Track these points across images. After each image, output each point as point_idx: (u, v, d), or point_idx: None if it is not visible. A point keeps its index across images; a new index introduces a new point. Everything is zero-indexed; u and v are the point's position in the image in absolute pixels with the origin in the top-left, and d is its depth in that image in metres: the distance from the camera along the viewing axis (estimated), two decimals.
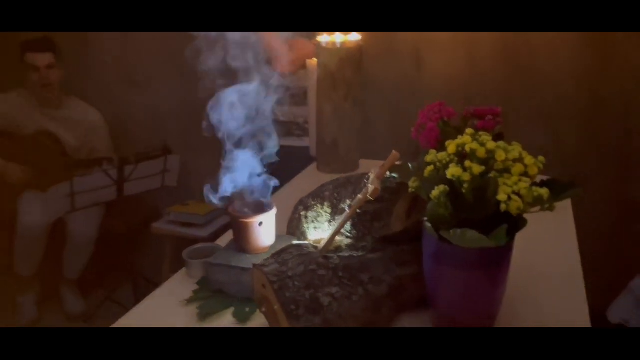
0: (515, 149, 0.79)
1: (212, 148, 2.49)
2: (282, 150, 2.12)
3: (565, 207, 1.34)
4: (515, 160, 0.78)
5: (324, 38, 1.55)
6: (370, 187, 0.86)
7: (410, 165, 0.86)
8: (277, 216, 1.03)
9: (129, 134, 2.85)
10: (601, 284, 2.10)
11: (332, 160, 1.60)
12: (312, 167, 1.70)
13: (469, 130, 0.80)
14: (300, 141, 2.01)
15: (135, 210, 2.70)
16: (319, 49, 1.54)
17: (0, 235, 2.54)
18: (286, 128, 2.05)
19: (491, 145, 0.77)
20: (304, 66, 1.89)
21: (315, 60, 1.62)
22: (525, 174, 0.77)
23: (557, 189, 0.79)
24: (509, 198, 0.74)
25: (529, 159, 0.77)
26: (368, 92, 2.28)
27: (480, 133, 0.80)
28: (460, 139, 0.79)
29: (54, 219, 2.49)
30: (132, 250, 2.79)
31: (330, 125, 1.57)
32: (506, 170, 0.77)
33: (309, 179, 1.61)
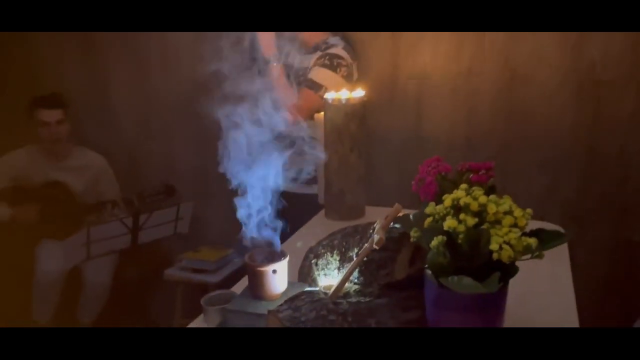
0: (506, 202, 0.88)
1: (222, 195, 2.61)
2: (291, 197, 2.22)
3: (561, 251, 1.41)
4: (505, 213, 0.86)
5: (330, 95, 1.66)
6: (376, 237, 0.94)
7: (411, 216, 0.95)
8: (289, 263, 1.10)
9: (143, 180, 2.96)
10: (598, 324, 2.14)
11: (339, 208, 1.69)
12: (321, 214, 1.78)
13: (462, 186, 0.89)
14: (309, 188, 2.10)
15: (148, 257, 2.77)
16: (326, 105, 1.65)
17: (19, 282, 2.60)
18: (295, 176, 2.14)
19: (483, 199, 0.85)
20: (311, 117, 2.00)
21: (322, 113, 1.73)
22: (515, 224, 0.85)
23: (546, 238, 0.87)
24: (501, 247, 0.82)
25: (518, 212, 0.85)
26: (372, 141, 2.39)
27: (474, 188, 0.89)
28: (455, 194, 0.88)
29: (70, 267, 2.57)
30: (144, 296, 2.85)
31: (337, 176, 1.67)
32: (497, 222, 0.85)
33: (318, 226, 1.70)
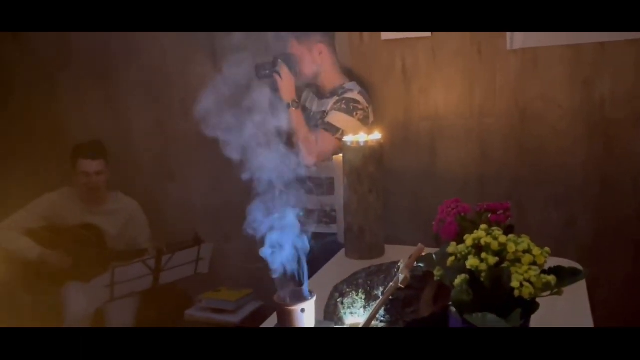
0: (524, 241, 0.92)
1: (240, 235, 2.66)
2: (311, 237, 2.26)
3: (580, 286, 1.43)
4: (524, 251, 0.91)
5: (348, 138, 1.73)
6: (401, 276, 0.99)
7: (434, 256, 0.99)
8: (317, 296, 1.14)
9: (164, 222, 3.02)
10: None
11: (359, 247, 1.73)
12: (341, 253, 1.83)
13: (483, 226, 0.94)
14: (328, 228, 2.15)
15: (168, 297, 2.81)
16: (345, 147, 1.71)
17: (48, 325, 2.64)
18: (315, 216, 2.20)
19: (503, 239, 0.90)
20: (329, 159, 2.07)
21: (340, 155, 1.80)
22: (534, 262, 0.90)
23: (564, 275, 0.92)
24: (521, 285, 0.86)
25: (536, 250, 0.90)
26: (388, 180, 2.45)
27: (493, 228, 0.94)
28: (476, 234, 0.93)
29: (94, 309, 2.61)
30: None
31: (356, 215, 1.72)
32: (517, 260, 0.90)
33: (339, 265, 1.74)
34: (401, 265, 1.01)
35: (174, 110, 2.91)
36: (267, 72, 2.06)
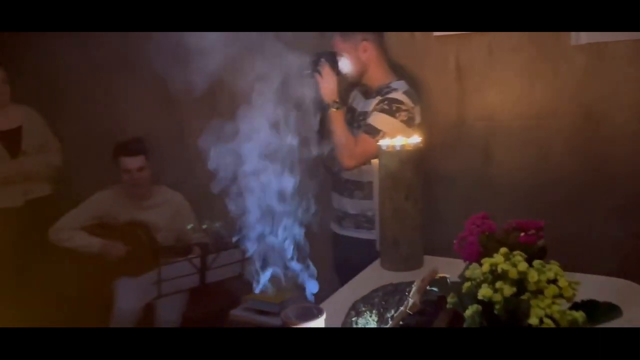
0: (552, 269, 0.80)
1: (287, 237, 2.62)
2: (350, 243, 2.19)
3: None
4: (549, 281, 0.78)
5: (384, 141, 1.63)
6: (410, 302, 0.89)
7: (448, 280, 0.89)
8: (340, 311, 1.07)
9: (212, 214, 3.03)
10: None
11: (394, 258, 1.63)
12: (377, 262, 1.74)
13: (502, 250, 0.83)
14: (369, 234, 2.06)
15: (215, 297, 2.83)
16: (380, 151, 1.62)
17: (100, 318, 2.73)
18: (356, 220, 2.12)
19: (523, 266, 0.79)
20: (368, 161, 1.98)
21: (377, 159, 1.70)
22: (560, 295, 0.78)
23: (597, 312, 0.79)
24: (541, 321, 0.74)
25: (563, 281, 0.78)
26: (436, 186, 2.32)
27: (514, 253, 0.82)
28: (493, 259, 0.82)
29: (143, 304, 2.67)
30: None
31: (391, 224, 1.62)
32: (540, 292, 0.78)
33: (372, 275, 1.65)
34: (413, 288, 0.91)
35: (226, 110, 2.91)
36: (309, 71, 1.99)
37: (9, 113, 2.88)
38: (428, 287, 0.92)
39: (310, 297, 1.08)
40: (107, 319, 2.70)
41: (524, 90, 2.16)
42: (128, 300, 2.67)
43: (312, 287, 1.06)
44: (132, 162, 2.74)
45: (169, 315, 2.72)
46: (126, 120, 3.21)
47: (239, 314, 2.66)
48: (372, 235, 2.03)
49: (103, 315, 2.72)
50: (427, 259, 1.71)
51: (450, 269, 1.15)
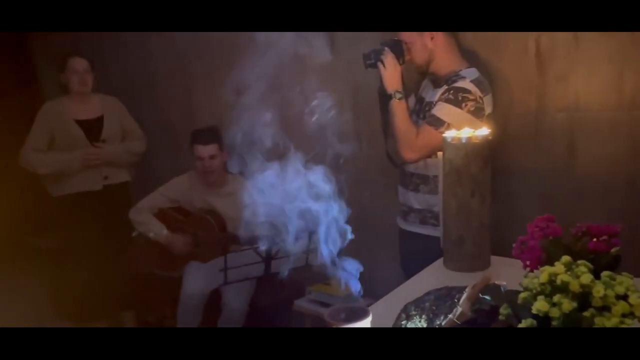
0: (623, 283, 0.70)
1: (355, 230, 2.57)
2: (415, 239, 2.10)
3: None
4: (618, 297, 0.68)
5: (449, 133, 1.53)
6: (459, 310, 0.81)
7: (502, 288, 0.80)
8: (393, 310, 1.02)
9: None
10: None
11: (457, 257, 1.54)
12: (439, 261, 1.65)
13: (564, 258, 0.73)
14: (434, 230, 1.96)
15: (281, 286, 2.83)
16: (444, 144, 1.52)
17: (168, 303, 2.84)
18: (421, 216, 2.03)
19: (586, 278, 0.69)
20: (434, 155, 1.88)
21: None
22: (630, 314, 0.67)
23: None
24: None
25: (635, 298, 0.67)
26: (513, 180, 2.17)
27: (579, 262, 0.72)
28: (552, 268, 0.72)
29: (210, 290, 2.73)
30: (276, 325, 2.90)
31: (455, 221, 1.53)
32: (606, 309, 0.68)
33: (434, 274, 1.57)
34: (464, 295, 0.83)
35: (294, 100, 2.89)
36: (372, 61, 1.92)
37: (92, 102, 3.02)
38: (481, 295, 0.84)
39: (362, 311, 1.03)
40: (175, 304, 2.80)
41: (613, 78, 1.96)
42: (195, 285, 2.74)
43: (355, 285, 1.00)
44: (205, 150, 2.79)
45: (235, 302, 2.76)
46: (203, 108, 3.28)
47: (303, 305, 2.66)
48: (437, 232, 1.93)
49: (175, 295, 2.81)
50: (497, 259, 1.60)
51: (522, 272, 1.05)
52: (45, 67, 3.61)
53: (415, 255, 2.00)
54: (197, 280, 2.74)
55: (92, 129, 2.98)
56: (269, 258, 2.58)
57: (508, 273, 1.05)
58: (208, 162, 2.80)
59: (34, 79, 3.66)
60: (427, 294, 1.07)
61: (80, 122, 2.95)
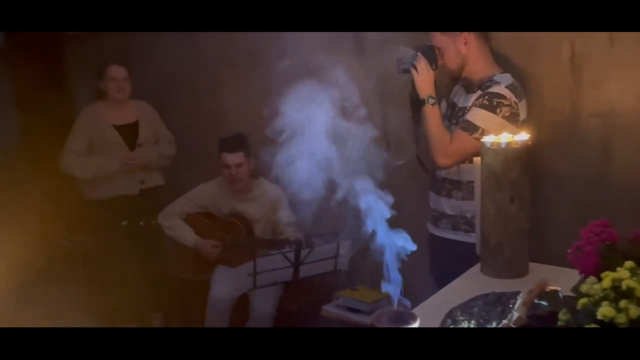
0: None
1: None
2: (447, 245, 2.09)
3: None
4: None
5: (488, 138, 1.52)
6: (515, 315, 0.81)
7: (560, 294, 0.79)
8: (434, 317, 1.01)
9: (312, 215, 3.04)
10: None
11: (496, 264, 1.52)
12: (476, 267, 1.63)
13: (628, 263, 0.72)
14: (467, 236, 1.95)
15: (309, 291, 2.84)
16: (483, 149, 1.52)
17: (195, 307, 2.85)
18: (453, 221, 2.02)
19: None
20: (469, 160, 1.87)
21: (480, 158, 1.60)
22: None
23: None
24: None
25: None
26: (547, 186, 2.14)
27: None
28: (616, 273, 0.71)
29: (238, 294, 2.74)
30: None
31: (494, 227, 1.51)
32: None
33: (471, 281, 1.55)
34: (519, 300, 0.82)
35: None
36: (405, 66, 1.92)
37: (128, 108, 3.08)
38: (536, 301, 0.83)
39: (405, 302, 1.03)
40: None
41: None
42: (223, 289, 2.76)
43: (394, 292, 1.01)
44: (231, 158, 2.82)
45: (263, 306, 2.77)
46: (231, 114, 3.30)
47: (331, 310, 2.65)
48: (470, 238, 1.92)
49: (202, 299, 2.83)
50: (533, 266, 1.58)
51: (559, 279, 1.03)
52: (78, 72, 3.67)
53: (446, 261, 1.99)
54: (225, 284, 2.76)
55: (129, 134, 3.03)
56: (297, 263, 2.59)
57: (548, 278, 1.03)
58: (235, 170, 2.82)
59: (66, 83, 3.73)
60: (474, 299, 1.06)
61: (117, 127, 3.01)
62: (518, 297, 0.85)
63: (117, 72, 2.97)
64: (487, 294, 1.03)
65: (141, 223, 2.94)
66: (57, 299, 2.45)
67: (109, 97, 2.99)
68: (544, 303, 0.82)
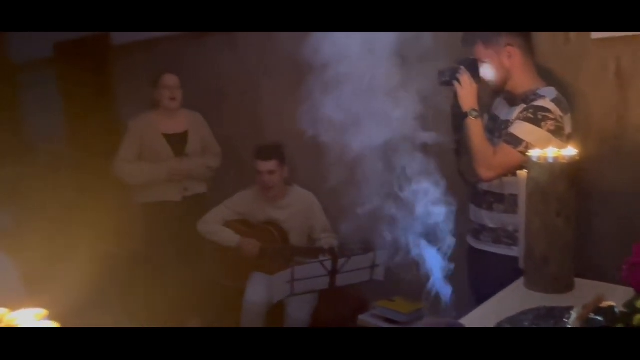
0: None
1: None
2: (487, 258, 2.08)
3: None
4: None
5: (535, 152, 1.52)
6: None
7: (616, 309, 0.80)
8: None
9: (346, 225, 3.06)
10: None
11: (540, 278, 1.52)
12: (519, 282, 1.62)
13: None
14: (509, 250, 1.94)
15: (345, 300, 2.85)
16: (530, 163, 1.52)
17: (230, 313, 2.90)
18: (494, 235, 2.01)
19: None
20: (512, 174, 1.86)
21: (525, 172, 1.60)
22: None
23: None
24: None
25: None
26: (592, 201, 2.12)
27: None
28: None
29: (275, 301, 2.78)
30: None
31: (539, 241, 1.51)
32: None
33: (515, 295, 1.55)
34: (573, 314, 0.83)
35: (362, 118, 2.93)
36: (447, 79, 1.93)
37: (179, 118, 3.15)
38: (592, 316, 0.83)
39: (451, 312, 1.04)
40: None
41: None
42: (259, 294, 2.80)
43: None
44: (264, 166, 2.88)
45: (299, 314, 2.79)
46: (270, 124, 3.36)
47: (367, 320, 2.66)
48: (512, 251, 1.91)
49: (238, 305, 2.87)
50: (578, 282, 1.57)
51: (606, 295, 1.03)
52: (122, 79, 3.79)
53: (486, 274, 1.98)
54: (259, 289, 2.80)
55: (178, 143, 3.10)
56: (334, 271, 2.61)
57: (593, 294, 1.03)
58: (267, 177, 2.87)
59: (110, 89, 3.85)
60: (523, 313, 1.07)
61: (166, 136, 3.09)
62: (572, 312, 0.86)
63: (170, 80, 3.04)
64: (538, 308, 1.03)
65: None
66: (97, 301, 2.53)
67: (162, 106, 3.07)
68: (600, 318, 0.82)
